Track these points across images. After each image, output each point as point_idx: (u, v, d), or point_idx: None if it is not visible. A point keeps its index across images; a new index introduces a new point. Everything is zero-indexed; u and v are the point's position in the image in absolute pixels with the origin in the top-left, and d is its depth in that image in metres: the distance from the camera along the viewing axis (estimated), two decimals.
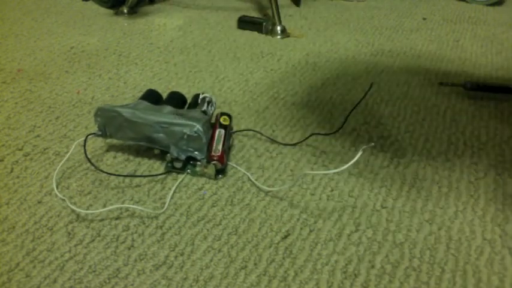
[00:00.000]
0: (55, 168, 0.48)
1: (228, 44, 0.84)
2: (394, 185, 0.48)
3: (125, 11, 0.99)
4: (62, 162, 0.48)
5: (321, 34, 0.91)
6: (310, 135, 0.55)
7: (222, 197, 0.46)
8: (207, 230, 0.42)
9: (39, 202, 0.44)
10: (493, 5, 1.14)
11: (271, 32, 0.89)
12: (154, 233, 0.41)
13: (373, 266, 0.39)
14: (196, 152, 0.47)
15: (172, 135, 0.47)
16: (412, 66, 0.77)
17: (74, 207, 0.43)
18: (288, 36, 0.89)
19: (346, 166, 0.42)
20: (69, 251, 0.39)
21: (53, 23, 0.91)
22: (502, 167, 0.52)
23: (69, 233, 0.41)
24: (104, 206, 0.44)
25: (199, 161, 0.48)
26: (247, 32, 0.91)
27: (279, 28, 0.89)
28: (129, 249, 0.39)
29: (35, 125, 0.56)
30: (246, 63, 0.76)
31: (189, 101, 0.55)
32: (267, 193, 0.47)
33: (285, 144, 0.54)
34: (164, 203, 0.45)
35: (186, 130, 0.46)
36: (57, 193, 0.45)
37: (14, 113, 0.59)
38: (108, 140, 0.53)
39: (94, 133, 0.50)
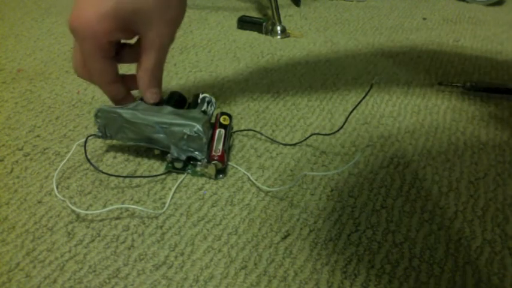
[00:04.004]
0: (55, 168, 0.49)
1: (228, 44, 0.84)
2: (394, 185, 0.48)
3: None
4: (63, 163, 0.48)
5: (321, 34, 0.91)
6: (310, 135, 0.55)
7: (222, 197, 0.46)
8: (207, 230, 0.42)
9: (39, 202, 0.44)
10: (493, 5, 1.14)
11: (271, 32, 0.89)
12: (154, 233, 0.41)
13: (373, 266, 0.39)
14: (196, 152, 0.47)
15: (172, 136, 0.47)
16: (412, 66, 0.77)
17: (74, 208, 0.43)
18: (288, 36, 0.89)
19: (346, 166, 0.42)
20: (69, 251, 0.39)
21: (53, 23, 0.91)
22: (502, 167, 0.52)
23: (69, 233, 0.41)
24: (104, 206, 0.44)
25: (199, 161, 0.48)
26: (247, 32, 0.90)
27: (279, 28, 0.89)
28: (129, 249, 0.39)
29: (35, 125, 0.56)
30: (246, 63, 0.76)
31: (189, 101, 0.55)
32: (267, 193, 0.47)
33: (285, 144, 0.54)
34: (164, 203, 0.45)
35: (186, 130, 0.46)
36: (57, 193, 0.45)
37: (14, 113, 0.59)
38: (108, 141, 0.53)
39: (94, 134, 0.50)
